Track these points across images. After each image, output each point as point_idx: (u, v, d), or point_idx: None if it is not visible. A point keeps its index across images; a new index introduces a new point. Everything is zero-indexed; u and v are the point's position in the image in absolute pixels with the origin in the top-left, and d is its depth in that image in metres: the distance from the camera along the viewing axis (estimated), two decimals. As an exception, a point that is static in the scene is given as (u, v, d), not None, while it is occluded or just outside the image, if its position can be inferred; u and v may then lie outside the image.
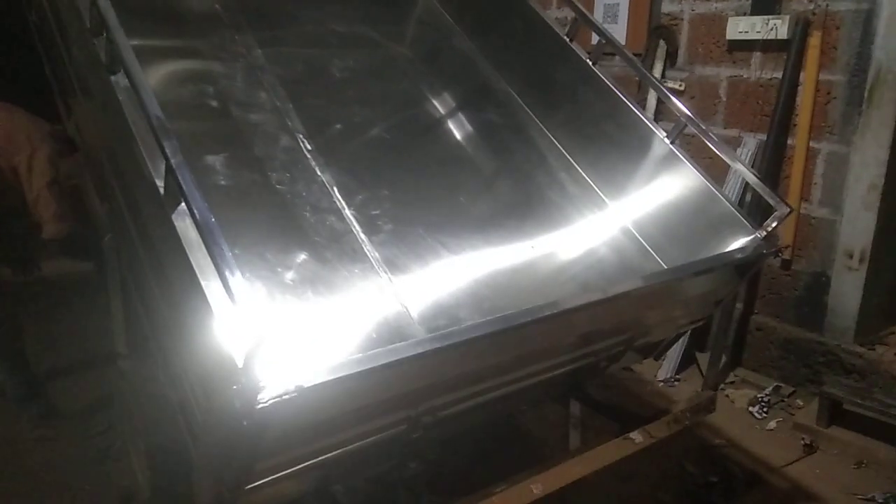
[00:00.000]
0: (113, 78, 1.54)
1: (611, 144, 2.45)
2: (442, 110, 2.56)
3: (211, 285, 1.24)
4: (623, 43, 3.61)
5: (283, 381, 1.17)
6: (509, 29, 2.74)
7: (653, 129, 2.33)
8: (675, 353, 3.38)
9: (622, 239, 2.33)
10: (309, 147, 2.08)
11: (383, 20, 2.78)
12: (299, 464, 1.41)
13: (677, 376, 3.41)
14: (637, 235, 2.33)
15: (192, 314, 1.30)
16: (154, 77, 2.09)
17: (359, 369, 1.24)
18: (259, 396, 1.14)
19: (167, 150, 1.30)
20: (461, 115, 2.57)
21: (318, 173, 2.02)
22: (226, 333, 1.19)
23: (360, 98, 2.37)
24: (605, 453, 1.98)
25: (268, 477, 1.37)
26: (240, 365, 1.14)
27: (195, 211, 1.22)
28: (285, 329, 1.55)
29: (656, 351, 2.44)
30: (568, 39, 2.53)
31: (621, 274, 2.18)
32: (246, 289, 1.15)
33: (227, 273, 1.16)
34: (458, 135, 2.49)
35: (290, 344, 1.53)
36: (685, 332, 2.62)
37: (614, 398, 2.82)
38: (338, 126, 2.22)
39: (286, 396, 1.16)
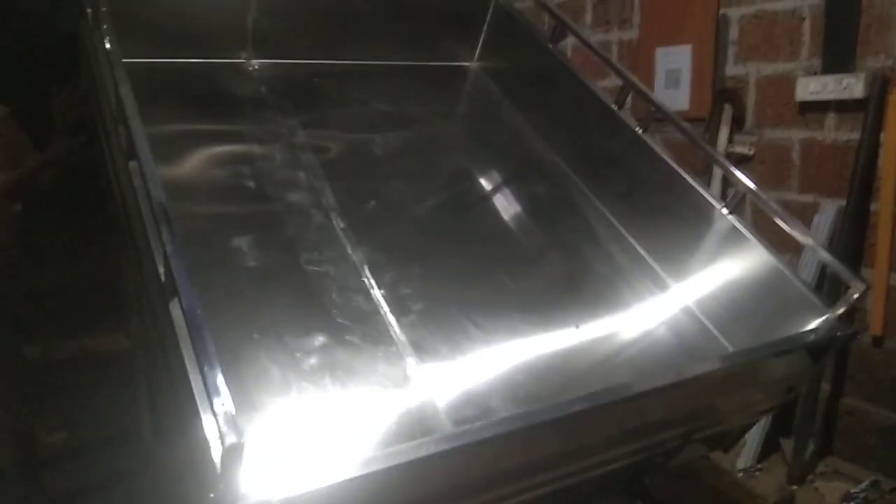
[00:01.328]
0: (131, 164, 1.54)
1: (666, 216, 2.30)
2: (486, 186, 2.49)
3: (199, 380, 1.16)
4: (686, 109, 3.52)
5: (266, 491, 1.07)
6: (558, 100, 2.67)
7: (710, 200, 2.18)
8: (755, 438, 3.07)
9: (682, 319, 2.15)
10: (342, 225, 2.03)
11: (431, 97, 2.76)
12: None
13: (759, 465, 3.09)
14: (698, 314, 2.14)
15: (184, 408, 1.23)
16: (194, 160, 2.12)
17: (357, 474, 1.14)
18: None
19: (164, 237, 1.26)
20: (506, 190, 2.48)
21: (349, 252, 1.96)
22: (210, 433, 1.11)
23: (399, 175, 2.33)
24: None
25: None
26: (218, 470, 1.05)
27: (182, 300, 1.17)
28: (291, 423, 1.47)
29: (726, 442, 2.21)
30: (616, 108, 2.43)
31: (681, 357, 2.00)
32: (228, 387, 1.08)
33: (206, 369, 1.08)
34: (501, 210, 2.40)
35: (295, 440, 1.45)
36: (756, 421, 2.38)
37: (683, 492, 2.56)
38: (373, 203, 2.17)
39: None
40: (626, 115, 2.43)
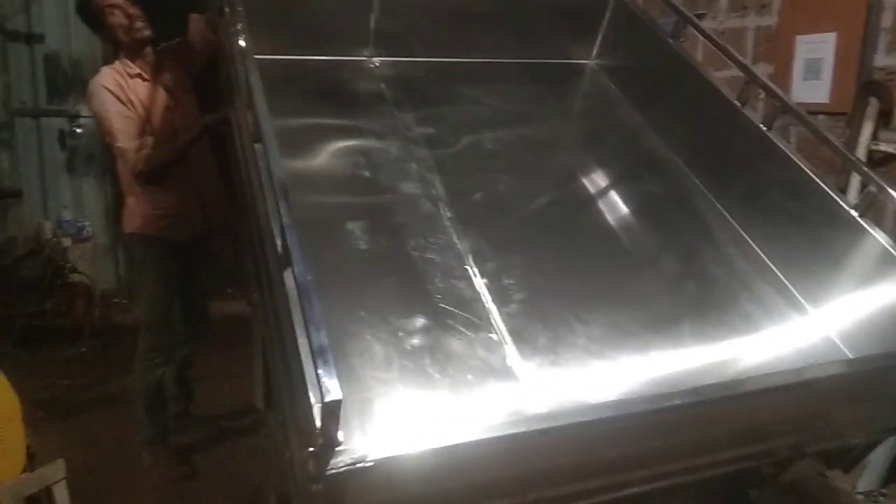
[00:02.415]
0: (256, 146, 1.66)
1: (792, 220, 2.19)
2: (599, 183, 2.46)
3: (305, 341, 1.23)
4: (826, 101, 3.30)
5: (362, 448, 1.12)
6: (678, 97, 2.61)
7: (841, 203, 2.04)
8: (880, 459, 2.81)
9: (797, 320, 2.03)
10: (449, 215, 2.08)
11: (546, 95, 2.77)
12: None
13: (883, 490, 2.84)
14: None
15: (291, 369, 1.30)
16: (314, 150, 2.23)
17: (455, 443, 1.17)
18: (333, 461, 1.09)
19: (282, 210, 1.35)
20: (620, 188, 2.44)
21: (455, 240, 2.00)
22: (312, 390, 1.17)
23: (509, 170, 2.35)
24: None
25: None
26: (318, 425, 1.11)
27: (294, 269, 1.24)
28: (390, 397, 1.51)
29: (845, 461, 2.06)
30: (740, 104, 2.33)
31: (793, 358, 1.89)
32: (332, 349, 1.14)
33: (312, 330, 1.15)
34: (613, 207, 2.36)
35: (393, 412, 1.50)
36: (881, 440, 2.20)
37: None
38: (480, 195, 2.20)
39: (361, 465, 1.10)
40: (750, 112, 2.32)
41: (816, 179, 2.11)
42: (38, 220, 5.24)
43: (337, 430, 1.10)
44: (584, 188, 2.42)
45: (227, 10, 2.14)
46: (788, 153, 2.18)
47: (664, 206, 2.38)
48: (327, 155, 2.24)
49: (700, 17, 3.73)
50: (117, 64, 2.95)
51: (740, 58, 2.42)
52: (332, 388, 1.09)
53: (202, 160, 3.10)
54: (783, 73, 3.54)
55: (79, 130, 5.34)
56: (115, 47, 2.98)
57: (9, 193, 5.28)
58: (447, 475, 1.24)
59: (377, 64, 2.64)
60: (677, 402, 1.37)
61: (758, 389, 1.46)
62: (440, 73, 2.68)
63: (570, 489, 1.47)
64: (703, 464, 1.64)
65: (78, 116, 5.34)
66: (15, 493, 1.87)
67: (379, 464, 1.12)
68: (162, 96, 3.01)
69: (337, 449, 1.11)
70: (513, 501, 1.38)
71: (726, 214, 2.33)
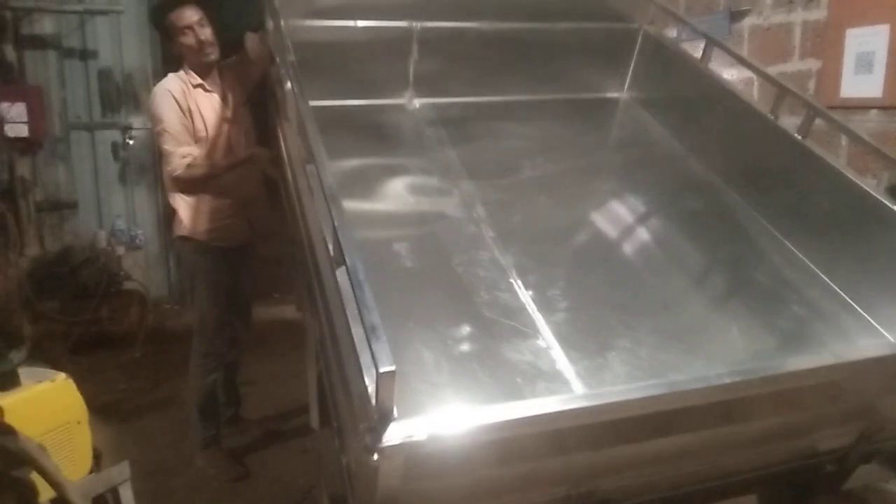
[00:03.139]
0: (308, 167, 1.74)
1: (836, 226, 2.18)
2: (638, 204, 2.51)
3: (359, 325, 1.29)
4: (879, 96, 3.25)
5: (417, 425, 1.17)
6: (712, 119, 2.67)
7: (884, 202, 2.03)
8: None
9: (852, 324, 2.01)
10: (491, 234, 2.16)
11: (582, 128, 2.88)
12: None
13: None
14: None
15: (344, 357, 1.36)
16: (361, 185, 2.34)
17: (506, 418, 1.22)
18: (388, 434, 1.14)
19: (333, 214, 1.42)
20: (660, 207, 2.49)
21: (498, 256, 2.06)
22: (366, 364, 1.22)
23: (548, 193, 2.44)
24: None
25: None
26: (373, 400, 1.16)
27: (345, 256, 1.31)
28: (441, 401, 1.56)
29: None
30: (773, 117, 2.35)
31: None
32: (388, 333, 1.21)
33: (364, 312, 1.24)
34: (655, 226, 2.41)
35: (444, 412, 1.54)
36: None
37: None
38: (520, 217, 2.30)
39: (415, 438, 1.15)
40: (787, 121, 2.33)
41: (858, 182, 2.11)
42: (94, 230, 5.43)
43: (392, 401, 1.15)
44: (625, 209, 2.48)
45: (278, 59, 2.28)
46: (826, 159, 2.19)
47: (706, 222, 2.41)
48: (373, 189, 2.34)
49: (744, 13, 3.71)
50: (182, 73, 3.08)
51: (764, 70, 2.43)
52: (386, 359, 1.15)
53: (249, 173, 3.20)
54: (833, 69, 3.48)
55: (131, 142, 5.52)
56: (181, 59, 3.10)
57: (66, 204, 5.49)
58: (496, 453, 1.28)
59: (417, 105, 2.79)
60: (724, 380, 1.38)
61: (802, 370, 1.47)
62: (477, 112, 2.82)
63: (620, 481, 1.49)
64: (759, 454, 1.63)
65: (130, 128, 5.52)
66: (84, 493, 1.96)
67: (432, 438, 1.16)
68: (220, 108, 3.14)
69: (392, 423, 1.15)
70: (563, 489, 1.41)
71: (769, 226, 2.35)
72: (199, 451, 3.34)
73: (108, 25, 5.41)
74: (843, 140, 3.46)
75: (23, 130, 5.00)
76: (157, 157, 3.41)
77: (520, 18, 2.86)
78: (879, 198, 2.05)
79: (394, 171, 2.43)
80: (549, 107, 2.88)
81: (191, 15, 2.97)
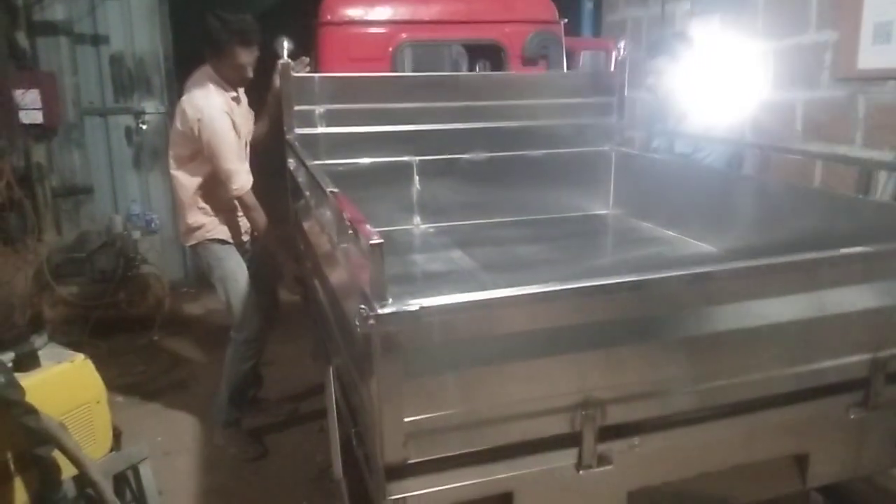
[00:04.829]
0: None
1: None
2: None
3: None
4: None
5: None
6: (689, 196, 2.95)
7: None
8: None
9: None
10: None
11: (574, 242, 3.11)
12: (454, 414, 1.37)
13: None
14: None
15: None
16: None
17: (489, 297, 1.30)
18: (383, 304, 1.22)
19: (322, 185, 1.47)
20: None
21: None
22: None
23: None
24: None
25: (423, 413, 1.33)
26: (367, 289, 1.24)
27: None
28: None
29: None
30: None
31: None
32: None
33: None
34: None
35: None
36: None
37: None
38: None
39: (408, 308, 1.22)
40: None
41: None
42: (109, 215, 5.47)
43: (383, 272, 1.22)
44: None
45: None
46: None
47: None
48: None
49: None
50: (214, 87, 3.03)
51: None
52: (373, 235, 1.24)
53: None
54: (850, 39, 3.43)
55: (144, 127, 5.55)
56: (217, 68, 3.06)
57: (81, 190, 5.54)
58: (478, 323, 1.32)
59: (423, 229, 3.23)
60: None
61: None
62: (477, 230, 3.21)
63: (627, 403, 1.47)
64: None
65: (143, 113, 5.55)
66: (104, 471, 2.00)
67: (424, 309, 1.23)
68: (248, 117, 3.23)
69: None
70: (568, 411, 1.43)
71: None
72: (219, 431, 3.39)
73: (118, 10, 5.42)
74: (861, 106, 3.44)
75: (37, 117, 5.03)
76: (165, 145, 3.38)
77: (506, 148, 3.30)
78: None
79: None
80: (543, 224, 3.26)
81: (254, 52, 3.01)
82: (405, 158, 3.14)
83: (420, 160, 3.16)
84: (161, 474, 2.93)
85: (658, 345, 1.46)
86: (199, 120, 2.95)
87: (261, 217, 3.11)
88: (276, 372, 4.01)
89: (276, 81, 3.00)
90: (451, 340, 1.31)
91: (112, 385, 3.94)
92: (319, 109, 3.00)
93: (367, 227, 1.33)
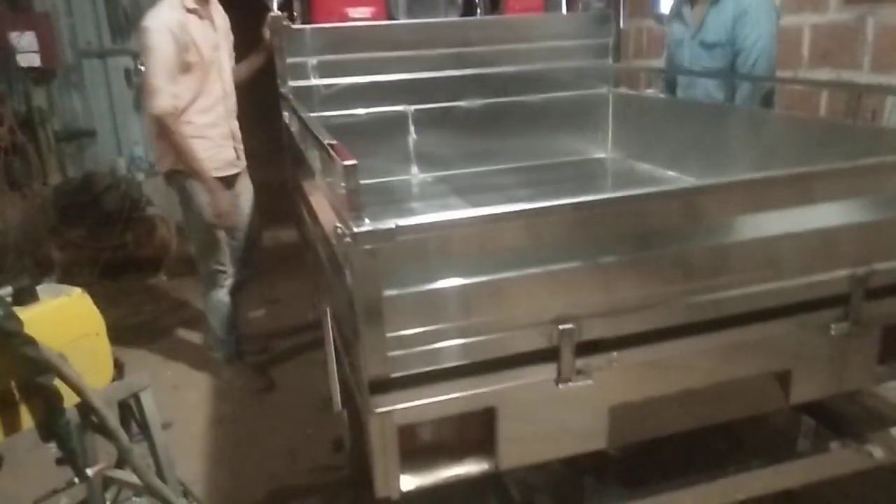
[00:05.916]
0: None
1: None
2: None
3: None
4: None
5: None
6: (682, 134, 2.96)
7: None
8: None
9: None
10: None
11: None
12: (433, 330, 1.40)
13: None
14: None
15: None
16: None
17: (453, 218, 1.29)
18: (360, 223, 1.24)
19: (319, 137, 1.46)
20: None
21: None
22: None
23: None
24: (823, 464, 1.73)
25: (404, 329, 1.36)
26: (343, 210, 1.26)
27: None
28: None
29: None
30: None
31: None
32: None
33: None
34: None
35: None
36: None
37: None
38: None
39: (384, 226, 1.23)
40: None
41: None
42: (113, 157, 5.49)
43: (358, 192, 1.25)
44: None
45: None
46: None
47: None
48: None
49: None
50: (174, 2, 2.95)
51: None
52: (347, 157, 1.26)
53: (233, 108, 3.23)
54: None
55: (143, 68, 5.49)
56: None
57: (84, 133, 5.54)
58: (450, 242, 1.33)
59: (420, 178, 3.22)
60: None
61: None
62: (474, 177, 3.20)
63: (602, 318, 1.48)
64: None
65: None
66: (106, 399, 2.05)
67: (400, 228, 1.24)
68: (213, 37, 3.09)
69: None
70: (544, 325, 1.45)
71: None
72: (224, 366, 3.46)
73: (111, -52, 5.32)
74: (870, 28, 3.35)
75: (35, 60, 5.01)
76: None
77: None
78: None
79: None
80: (541, 169, 3.26)
81: None
82: (400, 108, 3.15)
83: (416, 109, 3.16)
84: (170, 407, 3.03)
85: (636, 261, 1.47)
86: (142, 33, 2.93)
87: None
88: (280, 308, 4.08)
89: (266, 34, 2.95)
90: (427, 258, 1.32)
91: (122, 324, 4.06)
92: (312, 61, 2.99)
93: (343, 151, 1.33)
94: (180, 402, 3.28)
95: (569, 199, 1.34)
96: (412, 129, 3.17)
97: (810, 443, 2.06)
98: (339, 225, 1.25)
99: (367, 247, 1.24)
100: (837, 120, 2.37)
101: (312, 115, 2.44)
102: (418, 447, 1.48)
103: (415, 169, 3.25)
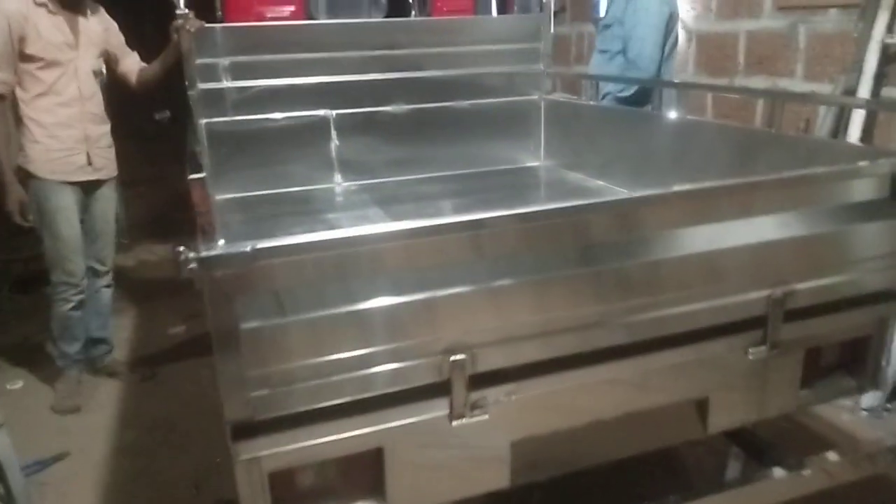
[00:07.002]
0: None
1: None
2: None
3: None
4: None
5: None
6: (611, 142, 2.97)
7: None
8: (891, 370, 2.68)
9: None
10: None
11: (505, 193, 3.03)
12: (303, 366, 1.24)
13: (888, 405, 2.74)
14: None
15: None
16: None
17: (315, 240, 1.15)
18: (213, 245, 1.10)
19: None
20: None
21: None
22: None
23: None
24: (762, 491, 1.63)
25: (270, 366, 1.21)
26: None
27: None
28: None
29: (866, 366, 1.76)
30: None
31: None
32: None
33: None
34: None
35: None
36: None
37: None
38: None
39: (239, 249, 1.09)
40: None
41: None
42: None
43: (211, 210, 1.23)
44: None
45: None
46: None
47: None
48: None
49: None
50: None
51: None
52: (200, 170, 1.20)
53: (91, 111, 3.06)
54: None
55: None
56: None
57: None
58: (322, 266, 1.19)
59: (344, 187, 3.09)
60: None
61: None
62: (400, 186, 3.10)
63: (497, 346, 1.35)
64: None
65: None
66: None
67: (260, 251, 1.10)
68: (68, 34, 2.92)
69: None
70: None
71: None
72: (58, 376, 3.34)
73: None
74: (802, 37, 3.33)
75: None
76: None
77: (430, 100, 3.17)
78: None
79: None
80: (471, 178, 3.17)
81: None
82: (321, 113, 2.99)
83: (337, 114, 3.02)
84: (71, 433, 2.81)
85: (535, 283, 1.34)
86: None
87: None
88: (203, 323, 3.86)
89: (174, 35, 2.79)
90: (295, 285, 1.17)
91: (31, 342, 3.78)
92: (224, 62, 2.84)
93: (201, 162, 1.18)
94: (82, 427, 3.05)
95: (456, 217, 1.20)
96: (334, 134, 3.03)
97: (739, 471, 1.97)
98: (180, 248, 1.08)
99: (219, 273, 1.08)
100: (766, 129, 2.29)
101: (223, 119, 2.29)
102: (297, 494, 1.32)
103: (338, 177, 3.11)
